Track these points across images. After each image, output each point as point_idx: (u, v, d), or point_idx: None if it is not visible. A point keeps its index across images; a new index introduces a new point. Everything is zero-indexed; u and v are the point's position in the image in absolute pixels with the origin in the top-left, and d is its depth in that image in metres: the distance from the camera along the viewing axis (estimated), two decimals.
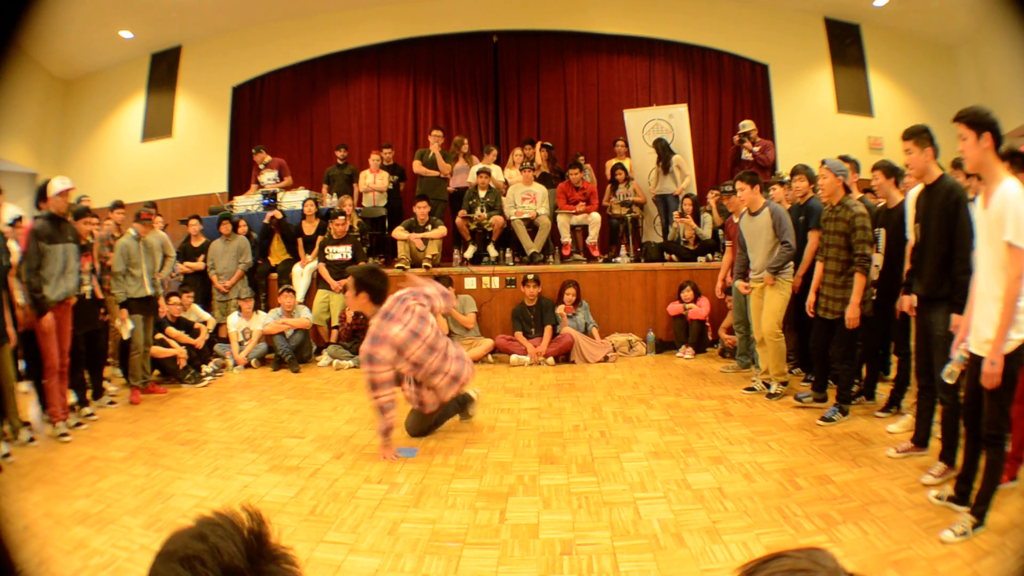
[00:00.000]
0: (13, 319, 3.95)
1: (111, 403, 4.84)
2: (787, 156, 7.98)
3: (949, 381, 2.74)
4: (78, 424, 4.29)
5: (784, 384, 4.47)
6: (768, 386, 4.65)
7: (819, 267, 4.11)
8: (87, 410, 4.48)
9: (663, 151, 7.15)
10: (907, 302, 3.40)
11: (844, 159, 4.33)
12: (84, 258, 4.56)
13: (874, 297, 3.99)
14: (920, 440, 3.30)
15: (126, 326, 4.87)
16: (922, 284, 3.10)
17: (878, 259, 4.02)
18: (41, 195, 4.35)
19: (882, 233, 4.00)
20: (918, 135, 3.05)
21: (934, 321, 3.03)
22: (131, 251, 4.95)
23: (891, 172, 3.98)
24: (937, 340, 3.02)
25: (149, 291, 5.06)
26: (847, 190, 4.01)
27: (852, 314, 3.80)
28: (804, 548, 0.61)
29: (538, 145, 8.01)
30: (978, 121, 2.38)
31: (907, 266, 3.72)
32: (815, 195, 4.68)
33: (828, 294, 3.98)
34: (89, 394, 4.80)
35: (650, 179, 7.39)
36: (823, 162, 4.06)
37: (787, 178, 5.14)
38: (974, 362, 2.51)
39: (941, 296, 2.99)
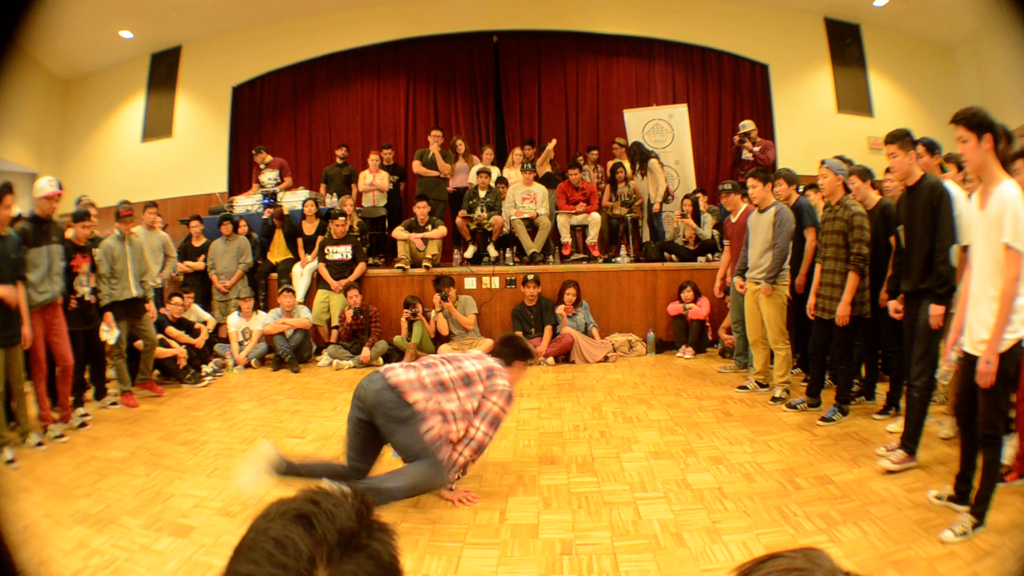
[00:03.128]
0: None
1: (113, 403, 4.82)
2: (787, 156, 7.99)
3: (944, 382, 2.76)
4: (82, 425, 4.30)
5: (787, 391, 4.46)
6: (763, 385, 4.68)
7: (818, 268, 4.12)
8: (81, 410, 4.46)
9: (637, 155, 7.15)
10: (892, 305, 3.46)
11: (839, 159, 4.35)
12: (83, 259, 4.56)
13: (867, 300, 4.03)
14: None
15: (112, 332, 4.68)
16: (909, 280, 3.17)
17: None
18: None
19: None
20: (901, 139, 3.14)
21: (920, 312, 3.10)
22: (115, 252, 4.76)
23: (865, 175, 4.08)
24: (921, 329, 3.08)
25: (135, 292, 4.84)
26: (846, 189, 4.03)
27: (843, 311, 3.82)
28: (800, 548, 0.61)
29: (553, 141, 7.99)
30: (978, 123, 2.38)
31: (889, 272, 3.76)
32: (801, 196, 4.76)
33: (827, 294, 3.98)
34: (91, 393, 4.80)
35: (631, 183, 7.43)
36: (823, 162, 4.08)
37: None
38: (968, 362, 2.52)
39: (925, 288, 3.06)
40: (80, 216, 4.65)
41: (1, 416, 3.64)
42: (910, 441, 3.11)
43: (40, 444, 3.84)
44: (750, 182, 4.57)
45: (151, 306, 5.21)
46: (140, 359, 5.08)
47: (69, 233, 4.63)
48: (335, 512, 0.60)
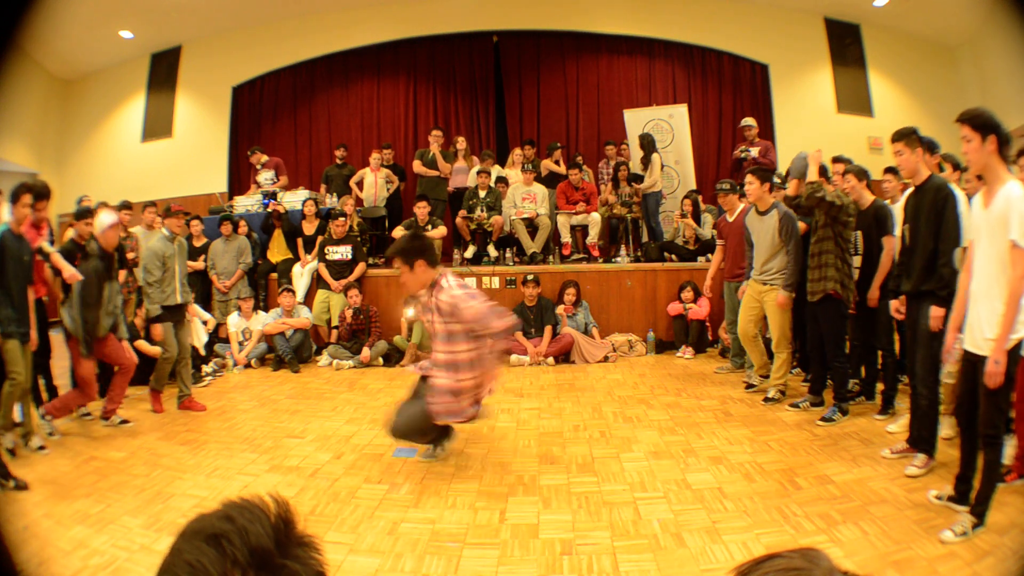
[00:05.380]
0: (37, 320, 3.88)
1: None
2: (787, 156, 7.94)
3: (950, 382, 2.76)
4: (123, 422, 4.30)
5: (783, 393, 4.47)
6: (766, 378, 4.67)
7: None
8: (83, 409, 4.46)
9: (648, 146, 7.14)
10: (894, 305, 3.46)
11: (838, 160, 4.36)
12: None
13: (857, 298, 4.09)
14: (915, 440, 3.30)
15: (164, 344, 4.53)
16: (911, 281, 3.16)
17: (857, 261, 4.11)
18: (14, 198, 3.84)
19: (859, 235, 4.09)
20: (908, 136, 3.11)
21: (921, 315, 3.09)
22: (165, 254, 4.53)
23: (862, 175, 4.10)
24: (922, 333, 3.07)
25: (180, 299, 4.61)
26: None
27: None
28: (799, 548, 0.61)
29: (557, 152, 7.94)
30: (983, 123, 2.39)
31: (885, 266, 3.78)
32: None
33: (814, 277, 4.04)
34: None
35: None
36: (804, 164, 4.19)
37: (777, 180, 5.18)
38: (969, 361, 2.51)
39: (928, 290, 3.05)
40: (81, 215, 4.61)
41: (18, 406, 3.65)
42: (926, 444, 3.10)
43: (42, 448, 3.79)
44: (748, 178, 4.51)
45: (196, 309, 5.12)
46: (156, 367, 4.69)
47: (70, 232, 4.60)
48: (249, 529, 0.58)
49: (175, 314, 4.64)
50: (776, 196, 5.03)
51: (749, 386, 4.78)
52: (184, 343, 4.73)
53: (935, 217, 2.99)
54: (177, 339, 4.66)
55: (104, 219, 4.10)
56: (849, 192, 4.06)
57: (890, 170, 4.83)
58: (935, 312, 2.98)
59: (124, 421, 4.30)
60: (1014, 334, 2.33)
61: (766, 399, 4.43)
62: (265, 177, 7.77)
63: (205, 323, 6.00)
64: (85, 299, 3.96)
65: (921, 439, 3.13)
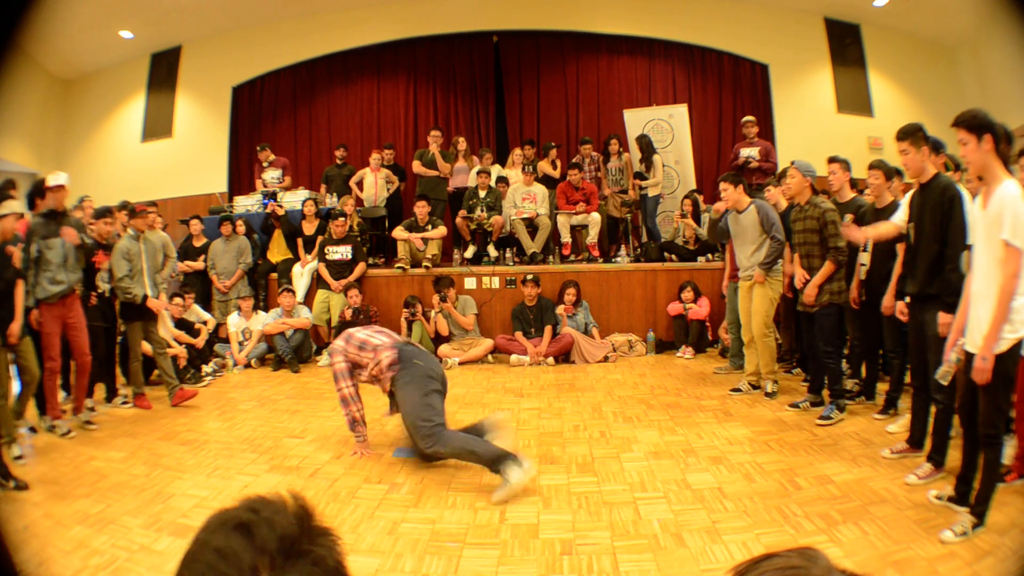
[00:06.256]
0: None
1: (124, 403, 4.81)
2: (787, 156, 7.95)
3: (943, 382, 2.74)
4: (88, 422, 4.27)
5: (776, 383, 4.47)
6: (755, 387, 4.66)
7: (796, 259, 4.21)
8: (89, 403, 4.44)
9: (647, 148, 7.15)
10: (899, 306, 3.43)
11: (833, 160, 4.36)
12: (104, 256, 4.58)
13: (863, 297, 4.09)
14: (915, 441, 3.29)
15: (129, 345, 4.69)
16: (915, 283, 3.10)
17: (865, 258, 4.10)
18: (37, 192, 4.21)
19: None
20: (913, 134, 3.04)
21: (927, 320, 3.02)
22: (132, 252, 4.64)
23: (890, 175, 4.05)
24: (931, 339, 3.02)
25: (149, 293, 4.69)
26: (814, 191, 4.14)
27: (810, 291, 3.94)
28: (797, 548, 0.61)
29: (553, 152, 7.93)
30: (977, 124, 2.39)
31: (898, 270, 3.76)
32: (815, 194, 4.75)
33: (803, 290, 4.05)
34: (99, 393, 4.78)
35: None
36: (792, 163, 4.20)
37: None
38: (969, 361, 2.51)
39: (933, 294, 2.99)
40: (102, 213, 4.65)
41: (9, 412, 3.64)
42: (937, 454, 3.00)
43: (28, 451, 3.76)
44: (722, 185, 4.61)
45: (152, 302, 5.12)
46: (129, 370, 4.83)
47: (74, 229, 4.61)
48: (275, 519, 0.60)
49: (142, 313, 4.68)
50: (773, 193, 5.05)
51: (735, 390, 4.73)
52: (156, 338, 4.80)
53: (941, 217, 2.91)
54: (150, 336, 4.75)
55: (52, 179, 4.16)
56: (872, 189, 4.05)
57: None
58: (943, 319, 2.89)
59: (88, 423, 4.28)
60: (1014, 333, 2.33)
61: (767, 394, 4.44)
62: (271, 176, 7.77)
63: (205, 323, 6.01)
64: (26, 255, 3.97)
65: (933, 448, 3.03)
